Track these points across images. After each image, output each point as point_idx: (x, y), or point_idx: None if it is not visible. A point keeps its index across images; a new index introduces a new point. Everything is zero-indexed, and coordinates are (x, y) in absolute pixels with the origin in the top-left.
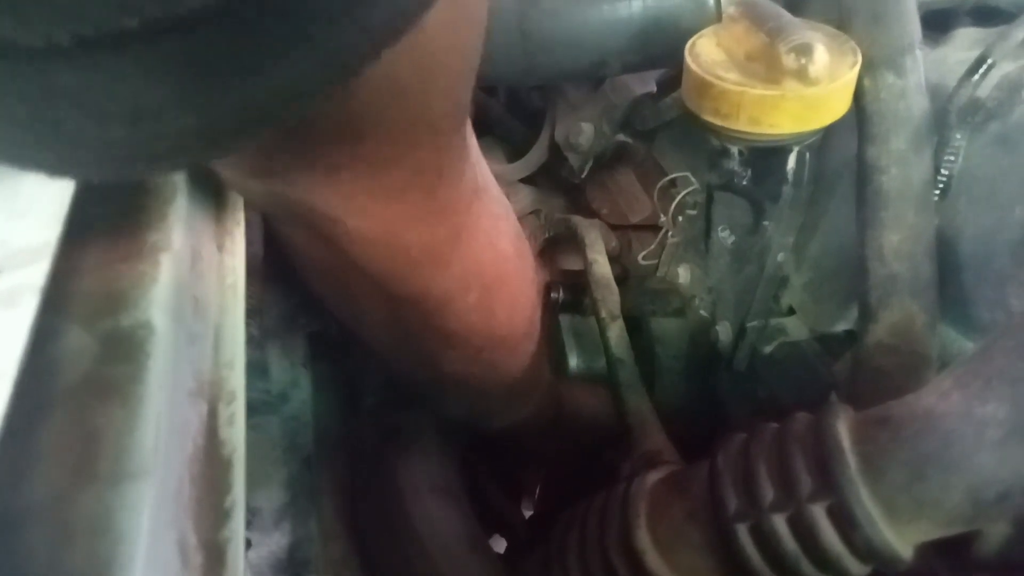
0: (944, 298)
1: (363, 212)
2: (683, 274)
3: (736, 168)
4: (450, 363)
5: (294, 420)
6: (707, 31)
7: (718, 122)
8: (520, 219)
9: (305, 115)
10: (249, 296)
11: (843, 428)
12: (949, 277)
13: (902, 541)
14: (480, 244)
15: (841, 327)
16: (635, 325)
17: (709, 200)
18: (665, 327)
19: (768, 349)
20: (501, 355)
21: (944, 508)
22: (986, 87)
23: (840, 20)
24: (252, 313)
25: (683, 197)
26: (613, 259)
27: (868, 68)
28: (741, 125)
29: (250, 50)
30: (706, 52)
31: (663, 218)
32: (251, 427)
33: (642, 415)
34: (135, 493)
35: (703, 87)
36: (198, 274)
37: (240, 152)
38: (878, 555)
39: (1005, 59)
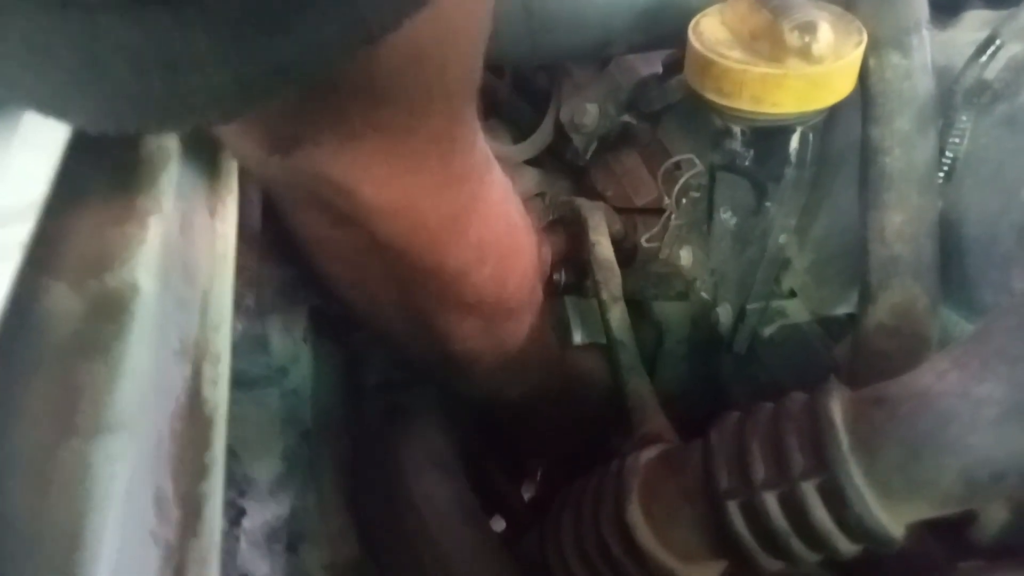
0: (948, 281)
1: (380, 182)
2: (685, 256)
3: (738, 148)
4: (462, 339)
5: (294, 394)
6: (712, 10)
7: (720, 101)
8: (525, 201)
9: (330, 74)
10: (245, 268)
11: (837, 407)
12: (953, 259)
13: (894, 521)
14: (494, 214)
15: (843, 310)
16: (639, 308)
17: (712, 181)
18: (669, 311)
19: (768, 332)
20: (511, 327)
21: (938, 488)
22: (993, 68)
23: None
24: (249, 285)
25: (687, 179)
26: (618, 242)
27: (873, 47)
28: (743, 104)
29: (283, 9)
30: (710, 30)
31: (667, 201)
32: (250, 400)
33: (642, 397)
34: (113, 446)
35: (705, 65)
36: (188, 239)
37: (264, 118)
38: (869, 534)
39: (1013, 40)
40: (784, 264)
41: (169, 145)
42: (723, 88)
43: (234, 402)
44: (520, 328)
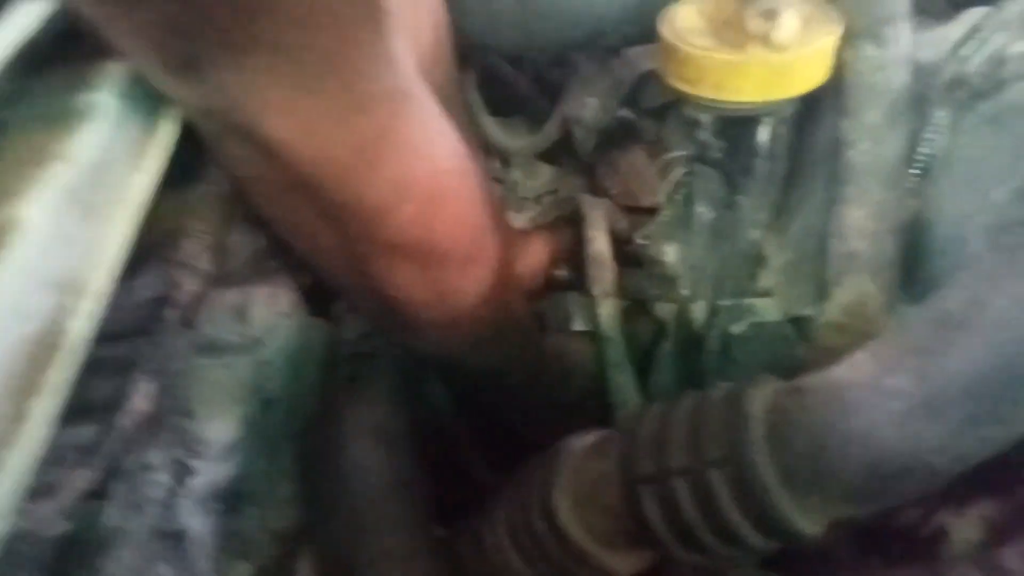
0: (916, 280)
1: (280, 107)
2: (670, 253)
3: (708, 139)
4: (396, 286)
5: (266, 365)
6: None
7: (685, 88)
8: (537, 197)
9: None
10: (205, 232)
11: (757, 396)
12: (924, 260)
13: (803, 515)
14: (411, 152)
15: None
16: (640, 309)
17: (689, 174)
18: (670, 311)
19: (738, 330)
20: (452, 278)
21: (844, 481)
22: (975, 63)
23: None
24: (206, 248)
25: (678, 176)
26: (624, 241)
27: (849, 38)
28: (706, 91)
29: None
30: (683, 18)
31: (661, 198)
32: (219, 364)
33: (626, 395)
34: None
35: (670, 51)
36: (97, 185)
37: (154, 34)
38: (776, 527)
39: (997, 34)
40: (761, 262)
41: (102, 100)
42: (686, 75)
43: (202, 366)
44: (466, 282)
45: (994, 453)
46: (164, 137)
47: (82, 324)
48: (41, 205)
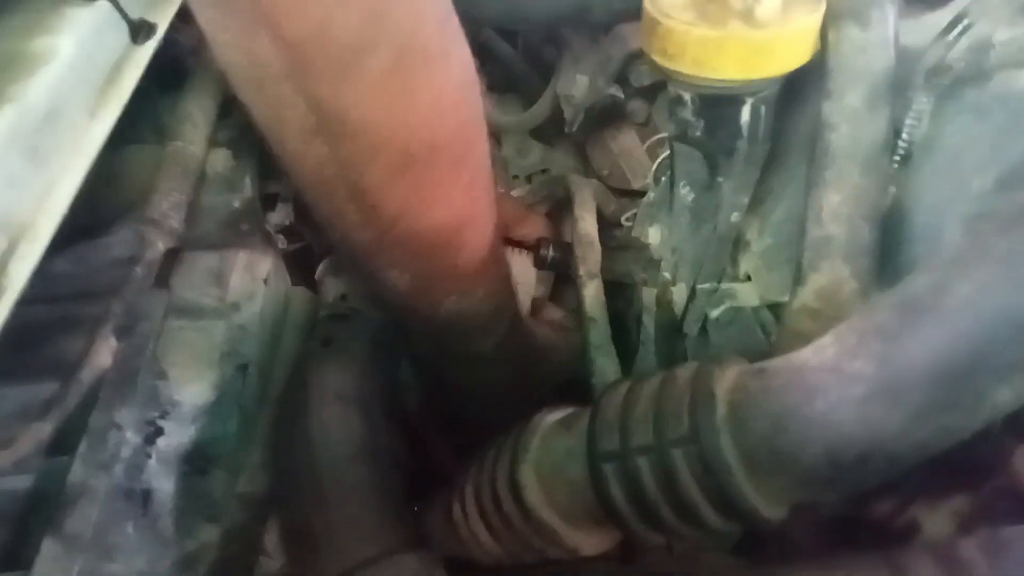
0: (895, 267)
1: None
2: (653, 235)
3: (689, 117)
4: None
5: (241, 329)
6: None
7: (665, 64)
8: (528, 176)
9: None
10: (174, 191)
11: (721, 376)
12: (901, 247)
13: (762, 497)
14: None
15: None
16: (627, 292)
17: (671, 153)
18: (651, 295)
19: (715, 313)
20: (438, 190)
21: (802, 464)
22: (959, 49)
23: None
24: (176, 207)
25: (664, 158)
26: (613, 223)
27: (833, 19)
28: (686, 67)
29: None
30: None
31: (649, 179)
32: (195, 328)
33: (607, 376)
34: None
35: (652, 25)
36: (49, 130)
37: None
38: (736, 508)
39: (982, 20)
40: (743, 247)
41: (61, 44)
42: (667, 49)
43: (177, 329)
44: (447, 193)
45: (955, 442)
46: (126, 87)
47: (25, 267)
48: None
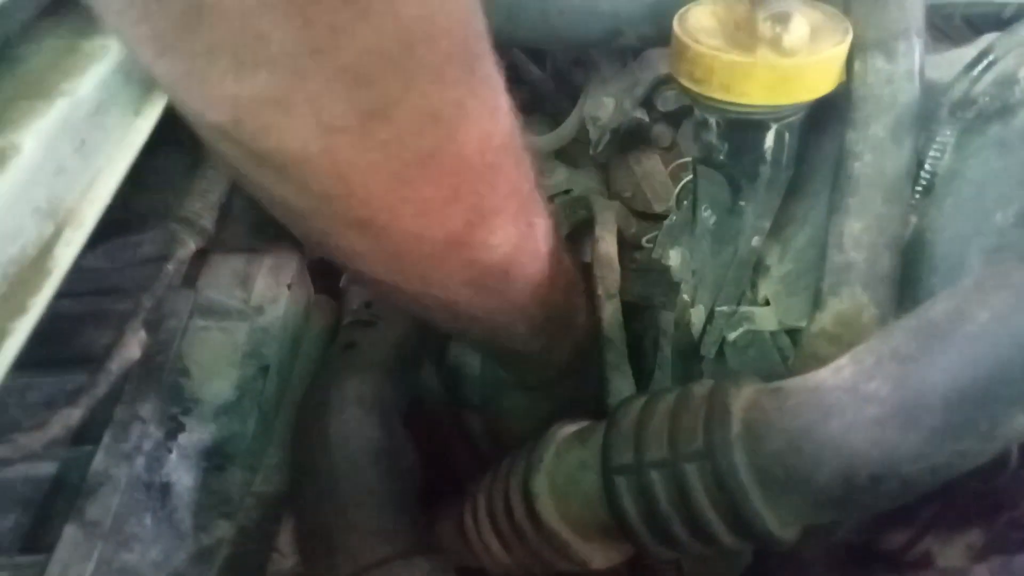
0: (914, 298)
1: None
2: (674, 257)
3: (714, 141)
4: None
5: (263, 332)
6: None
7: (693, 87)
8: (551, 196)
9: None
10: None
11: (737, 394)
12: (922, 278)
13: (774, 516)
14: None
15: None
16: (646, 313)
17: (694, 177)
18: (670, 317)
19: (733, 336)
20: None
21: (816, 484)
22: (984, 83)
23: (844, 0)
24: (209, 208)
25: (687, 181)
26: (634, 245)
27: (860, 50)
28: (714, 91)
29: None
30: (696, 18)
31: (672, 202)
32: (219, 328)
33: (622, 396)
34: None
35: (681, 49)
36: (97, 124)
37: None
38: (748, 527)
39: (1007, 56)
40: (763, 271)
41: (111, 43)
42: (695, 73)
43: (202, 328)
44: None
45: (969, 467)
46: None
47: (70, 252)
48: (36, 135)
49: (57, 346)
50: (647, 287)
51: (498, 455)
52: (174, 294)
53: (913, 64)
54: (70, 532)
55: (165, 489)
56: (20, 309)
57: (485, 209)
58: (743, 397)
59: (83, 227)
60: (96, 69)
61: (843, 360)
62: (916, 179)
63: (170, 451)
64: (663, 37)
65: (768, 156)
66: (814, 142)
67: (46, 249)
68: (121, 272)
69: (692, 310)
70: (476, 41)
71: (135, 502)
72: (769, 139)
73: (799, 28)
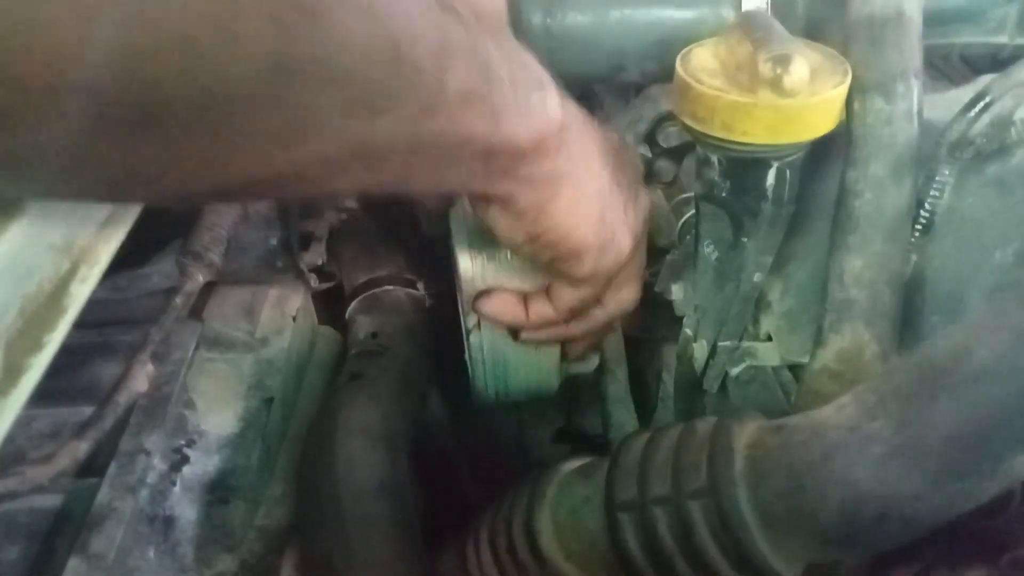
0: (915, 336)
1: None
2: (676, 292)
3: (716, 178)
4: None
5: (268, 363)
6: (708, 40)
7: (695, 126)
8: None
9: None
10: (216, 225)
11: (740, 431)
12: (922, 316)
13: (778, 555)
14: None
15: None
16: (648, 348)
17: (696, 212)
18: (672, 352)
19: (735, 372)
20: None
21: (819, 522)
22: (981, 124)
23: (843, 42)
24: (216, 242)
25: (690, 216)
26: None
27: (859, 91)
28: (716, 131)
29: None
30: (699, 59)
31: (674, 237)
32: (224, 360)
33: (624, 430)
34: None
35: (684, 89)
36: None
37: None
38: (751, 564)
39: (1004, 97)
40: (765, 307)
41: None
42: (697, 113)
43: (207, 360)
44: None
45: (972, 506)
46: None
47: (85, 289)
48: None
49: (64, 377)
50: (649, 320)
51: (501, 488)
52: (180, 326)
53: (912, 105)
54: (74, 564)
55: (168, 522)
56: (36, 346)
57: None
58: (746, 434)
59: (98, 264)
60: None
61: (845, 398)
62: (916, 218)
63: (174, 484)
64: (666, 73)
65: (770, 193)
66: (814, 180)
67: (61, 286)
68: (129, 304)
69: (695, 345)
70: None
71: (138, 535)
72: (771, 177)
73: (800, 70)
